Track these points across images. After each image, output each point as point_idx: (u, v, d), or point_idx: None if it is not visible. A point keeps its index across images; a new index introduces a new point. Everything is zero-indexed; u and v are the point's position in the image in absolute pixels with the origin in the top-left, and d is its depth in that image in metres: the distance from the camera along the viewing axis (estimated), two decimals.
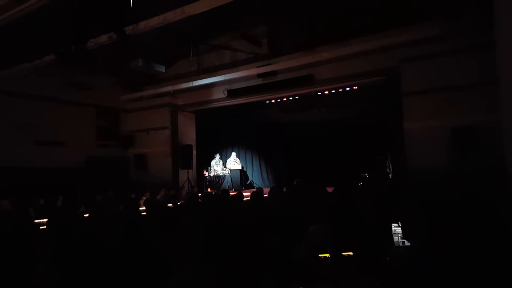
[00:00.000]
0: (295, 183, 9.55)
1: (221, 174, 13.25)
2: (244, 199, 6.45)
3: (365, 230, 3.29)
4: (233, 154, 14.05)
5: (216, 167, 13.45)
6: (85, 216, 4.92)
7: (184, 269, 2.43)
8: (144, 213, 5.31)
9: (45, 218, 4.43)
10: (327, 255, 2.53)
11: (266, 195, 6.25)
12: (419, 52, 8.61)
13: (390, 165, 11.56)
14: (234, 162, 13.76)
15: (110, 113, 13.27)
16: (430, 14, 8.42)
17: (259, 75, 10.91)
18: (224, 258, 2.86)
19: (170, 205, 6.26)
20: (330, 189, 6.18)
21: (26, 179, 9.54)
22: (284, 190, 7.51)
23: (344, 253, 2.54)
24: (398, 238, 2.96)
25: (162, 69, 10.23)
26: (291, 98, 13.52)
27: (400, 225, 2.85)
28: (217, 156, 13.70)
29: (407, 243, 2.86)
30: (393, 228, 2.98)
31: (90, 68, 11.18)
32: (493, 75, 7.53)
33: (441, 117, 8.28)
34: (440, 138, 8.24)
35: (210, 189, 12.53)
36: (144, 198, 7.55)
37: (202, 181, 13.22)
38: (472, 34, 7.84)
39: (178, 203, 6.45)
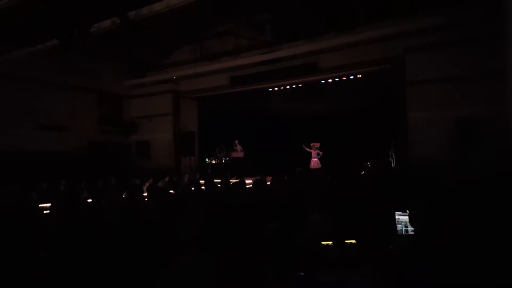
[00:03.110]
0: (296, 171, 9.56)
1: (223, 161, 13.25)
2: (247, 186, 6.44)
3: (368, 219, 3.29)
4: (236, 141, 14.00)
5: (219, 154, 13.44)
6: (87, 202, 4.94)
7: (182, 256, 2.43)
8: (146, 199, 5.31)
9: (48, 203, 4.44)
10: (330, 243, 2.53)
11: (269, 183, 6.25)
12: (424, 41, 8.51)
13: (393, 155, 11.53)
14: (236, 150, 13.74)
15: (113, 99, 13.21)
16: (435, 4, 8.29)
17: (263, 62, 10.81)
18: (224, 245, 2.86)
19: (172, 191, 6.26)
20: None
21: (29, 163, 9.57)
22: (285, 178, 7.52)
23: (346, 241, 2.54)
24: (402, 227, 2.95)
25: (165, 55, 10.14)
26: (294, 86, 13.45)
27: (404, 213, 2.84)
28: (221, 143, 13.69)
29: (410, 232, 2.86)
30: (396, 217, 2.96)
31: (93, 53, 11.11)
32: (499, 66, 7.46)
33: (445, 107, 8.22)
34: (443, 129, 8.20)
35: (213, 176, 12.53)
36: (147, 184, 7.58)
37: (204, 168, 13.23)
38: (478, 24, 7.74)
39: (180, 190, 6.45)
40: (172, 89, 12.87)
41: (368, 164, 11.94)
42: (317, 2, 10.09)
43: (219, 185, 6.26)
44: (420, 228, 2.14)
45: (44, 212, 4.20)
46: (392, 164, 11.27)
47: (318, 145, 14.12)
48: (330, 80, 13.02)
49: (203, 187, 6.45)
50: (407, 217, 2.83)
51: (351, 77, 12.28)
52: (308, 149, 14.13)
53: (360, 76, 12.70)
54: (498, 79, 7.48)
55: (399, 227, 2.98)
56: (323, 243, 2.54)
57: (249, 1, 10.24)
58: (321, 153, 13.95)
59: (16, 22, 7.80)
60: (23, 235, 3.23)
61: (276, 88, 13.10)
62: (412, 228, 2.65)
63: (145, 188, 6.84)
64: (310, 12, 10.14)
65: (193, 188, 6.13)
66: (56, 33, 7.96)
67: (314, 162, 13.73)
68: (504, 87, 6.17)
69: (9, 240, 3.14)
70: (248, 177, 11.11)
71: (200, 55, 11.86)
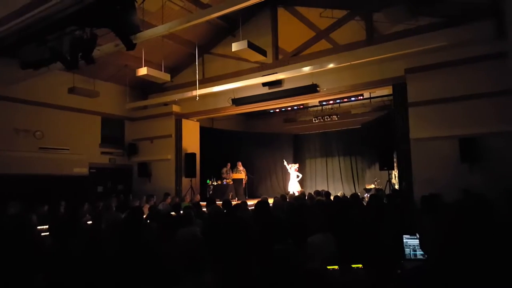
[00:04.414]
0: (299, 191, 9.47)
1: (225, 183, 13.17)
2: (249, 208, 6.37)
3: (375, 242, 3.21)
4: (239, 163, 13.93)
5: (226, 175, 13.39)
6: (87, 224, 4.87)
7: (185, 278, 2.35)
8: (147, 221, 5.25)
9: (48, 225, 4.36)
10: (336, 267, 2.45)
11: (271, 205, 6.17)
12: (425, 62, 8.55)
13: (396, 176, 11.43)
14: (238, 171, 13.67)
15: (114, 121, 13.26)
16: (437, 24, 8.39)
17: (264, 84, 10.88)
18: (226, 266, 2.78)
19: (173, 213, 6.19)
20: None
21: (30, 185, 9.50)
22: (288, 199, 7.44)
23: (353, 266, 2.46)
24: (410, 251, 2.87)
25: (167, 77, 10.22)
26: (295, 107, 13.50)
27: (412, 236, 2.76)
28: (228, 165, 13.64)
29: (419, 256, 2.77)
30: (404, 240, 2.88)
31: (95, 76, 11.20)
32: (502, 86, 7.50)
33: (448, 127, 8.19)
34: (447, 149, 8.15)
35: (214, 198, 12.40)
36: (148, 206, 7.51)
37: (205, 190, 13.14)
38: (480, 44, 7.80)
39: (181, 212, 6.37)
40: (174, 111, 12.92)
41: (373, 186, 11.84)
42: (317, 25, 10.25)
43: (220, 207, 6.19)
44: (432, 252, 2.07)
45: (43, 234, 4.13)
46: (396, 186, 11.17)
47: (297, 166, 13.99)
48: (331, 102, 13.10)
49: (204, 209, 6.38)
50: (416, 240, 2.76)
51: (353, 98, 12.34)
52: (288, 167, 13.97)
53: (361, 97, 12.78)
54: (503, 98, 7.52)
55: (407, 251, 2.90)
56: (329, 267, 2.45)
57: (248, 24, 10.40)
58: (300, 175, 13.77)
59: (21, 44, 7.90)
60: (22, 257, 3.16)
61: (277, 110, 13.14)
62: (421, 252, 2.57)
63: (145, 209, 6.77)
64: (310, 34, 10.28)
65: (194, 210, 6.04)
66: (59, 56, 8.03)
67: (294, 185, 13.40)
68: (509, 106, 6.19)
69: (8, 262, 3.07)
70: (250, 199, 11.00)
71: (202, 77, 11.96)
